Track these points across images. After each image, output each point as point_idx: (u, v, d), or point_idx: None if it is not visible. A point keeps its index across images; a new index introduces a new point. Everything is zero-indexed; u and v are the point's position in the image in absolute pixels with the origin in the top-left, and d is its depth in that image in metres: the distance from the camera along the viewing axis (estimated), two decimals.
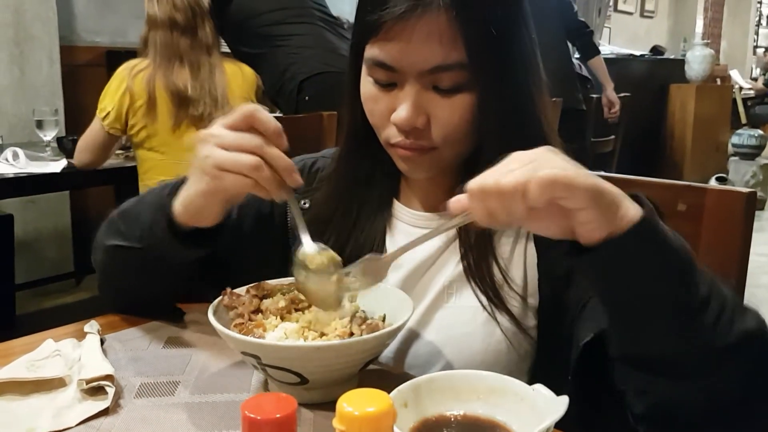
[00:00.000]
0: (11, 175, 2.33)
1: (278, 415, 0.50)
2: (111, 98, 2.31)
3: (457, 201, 0.67)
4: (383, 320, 0.82)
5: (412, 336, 0.92)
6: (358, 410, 0.50)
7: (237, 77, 2.46)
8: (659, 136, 6.11)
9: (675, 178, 1.05)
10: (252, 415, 0.50)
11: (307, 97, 2.68)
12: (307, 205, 0.98)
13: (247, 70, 2.54)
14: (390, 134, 0.87)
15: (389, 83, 0.85)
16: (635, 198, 0.67)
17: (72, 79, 3.54)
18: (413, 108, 0.82)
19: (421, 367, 0.89)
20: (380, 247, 0.94)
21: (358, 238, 0.94)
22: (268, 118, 0.78)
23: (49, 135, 2.64)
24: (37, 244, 3.41)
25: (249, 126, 0.78)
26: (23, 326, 2.42)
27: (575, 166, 0.64)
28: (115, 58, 3.18)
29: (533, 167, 0.62)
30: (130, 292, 0.99)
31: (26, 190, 2.67)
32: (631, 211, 0.64)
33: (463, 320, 0.89)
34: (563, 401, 0.60)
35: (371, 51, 0.84)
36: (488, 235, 0.89)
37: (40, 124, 2.63)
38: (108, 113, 2.31)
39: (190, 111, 2.30)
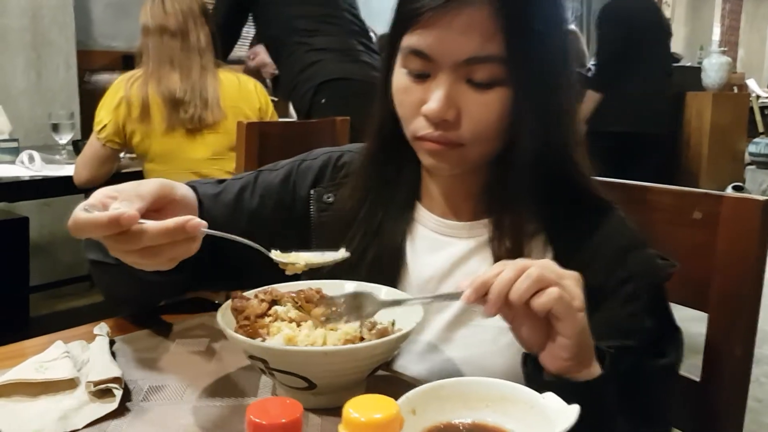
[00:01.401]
0: (27, 178, 2.34)
1: (284, 420, 0.50)
2: (107, 111, 2.30)
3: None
4: (392, 325, 0.81)
5: (432, 351, 0.91)
6: (364, 416, 0.49)
7: (232, 86, 2.43)
8: (675, 145, 6.07)
9: (691, 186, 1.03)
10: (257, 420, 0.50)
11: (323, 100, 2.67)
12: (331, 200, 0.97)
13: (248, 84, 2.51)
14: (418, 126, 0.85)
15: (423, 73, 0.83)
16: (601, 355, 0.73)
17: (88, 84, 3.56)
18: (445, 99, 0.81)
19: None
20: (400, 252, 0.93)
21: (381, 241, 0.93)
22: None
23: (64, 138, 2.66)
24: (51, 246, 3.43)
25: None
26: (36, 328, 2.42)
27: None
28: (130, 62, 3.20)
29: (556, 276, 0.68)
30: (128, 299, 0.99)
31: (42, 192, 2.69)
32: (594, 368, 0.71)
33: (486, 339, 0.88)
34: (574, 410, 0.59)
35: (408, 40, 0.83)
36: (520, 251, 0.88)
37: (56, 128, 2.65)
38: (105, 126, 2.29)
39: (181, 114, 2.29)
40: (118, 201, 0.73)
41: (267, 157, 1.17)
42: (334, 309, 0.81)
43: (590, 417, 0.60)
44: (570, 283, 0.69)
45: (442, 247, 0.94)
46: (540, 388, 0.68)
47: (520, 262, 0.69)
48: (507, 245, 0.88)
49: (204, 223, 0.72)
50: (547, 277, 0.68)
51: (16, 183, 2.33)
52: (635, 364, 0.79)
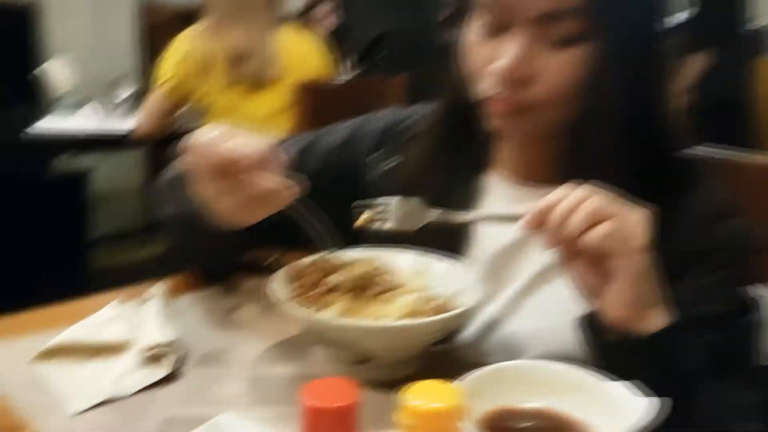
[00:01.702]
0: (89, 132, 2.37)
1: (339, 405, 0.47)
2: (169, 65, 2.31)
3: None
4: (451, 301, 0.77)
5: (495, 323, 0.86)
6: (423, 405, 0.46)
7: (294, 43, 2.39)
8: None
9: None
10: (312, 403, 0.47)
11: (385, 53, 2.61)
12: (393, 165, 0.93)
13: (309, 42, 2.47)
14: (487, 86, 0.78)
15: (495, 28, 0.77)
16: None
17: (149, 39, 3.58)
18: (517, 56, 0.74)
19: (509, 356, 0.84)
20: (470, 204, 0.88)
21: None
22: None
23: (126, 92, 2.68)
24: (112, 200, 3.49)
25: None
26: (95, 282, 2.48)
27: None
28: (193, 17, 3.19)
29: (618, 210, 0.63)
30: (196, 256, 0.97)
31: (103, 146, 2.73)
32: (661, 320, 0.66)
33: (555, 312, 0.83)
34: (653, 403, 0.54)
35: None
36: None
37: (116, 82, 2.67)
38: (167, 80, 2.30)
39: (242, 70, 2.27)
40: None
41: (324, 118, 1.12)
42: (379, 211, 0.77)
43: (661, 375, 0.56)
44: (633, 219, 0.64)
45: (519, 201, 0.86)
46: (598, 352, 0.64)
47: (582, 191, 0.65)
48: None
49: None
50: (605, 211, 0.63)
51: (78, 136, 2.36)
52: (725, 331, 0.73)
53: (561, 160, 0.83)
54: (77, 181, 2.80)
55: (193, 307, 0.92)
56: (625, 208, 0.65)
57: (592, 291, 0.67)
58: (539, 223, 0.66)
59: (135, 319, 0.84)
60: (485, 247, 0.87)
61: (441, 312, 0.72)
